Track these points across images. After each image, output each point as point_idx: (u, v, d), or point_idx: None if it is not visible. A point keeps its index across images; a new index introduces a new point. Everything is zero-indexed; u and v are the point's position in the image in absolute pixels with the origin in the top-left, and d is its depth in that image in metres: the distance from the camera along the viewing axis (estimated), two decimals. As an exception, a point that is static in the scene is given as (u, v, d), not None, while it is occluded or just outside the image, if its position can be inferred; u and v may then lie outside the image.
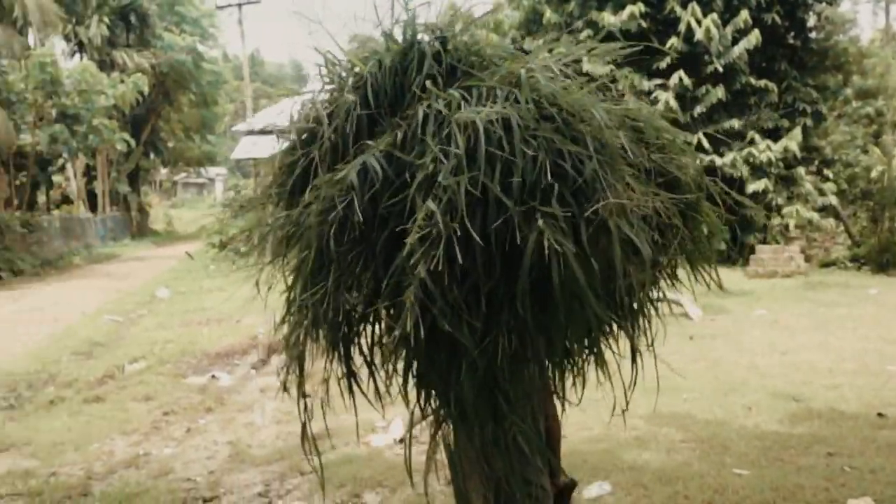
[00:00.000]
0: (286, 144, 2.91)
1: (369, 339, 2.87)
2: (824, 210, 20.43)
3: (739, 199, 3.22)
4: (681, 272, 3.12)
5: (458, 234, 2.31)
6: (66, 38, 32.32)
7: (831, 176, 21.10)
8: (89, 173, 35.37)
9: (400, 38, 2.86)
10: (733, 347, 10.21)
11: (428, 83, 2.67)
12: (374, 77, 2.74)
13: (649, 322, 3.01)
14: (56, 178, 35.17)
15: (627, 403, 3.04)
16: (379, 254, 2.54)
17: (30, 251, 24.59)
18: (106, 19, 31.63)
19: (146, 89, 28.66)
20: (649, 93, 18.77)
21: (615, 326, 2.87)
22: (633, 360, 2.96)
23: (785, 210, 19.70)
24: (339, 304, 2.61)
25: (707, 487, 5.42)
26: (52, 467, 6.46)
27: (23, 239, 24.59)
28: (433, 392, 2.75)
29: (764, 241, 19.54)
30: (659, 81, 18.92)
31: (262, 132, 23.27)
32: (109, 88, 26.08)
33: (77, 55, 33.44)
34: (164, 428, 7.61)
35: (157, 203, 50.75)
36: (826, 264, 19.44)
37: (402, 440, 6.54)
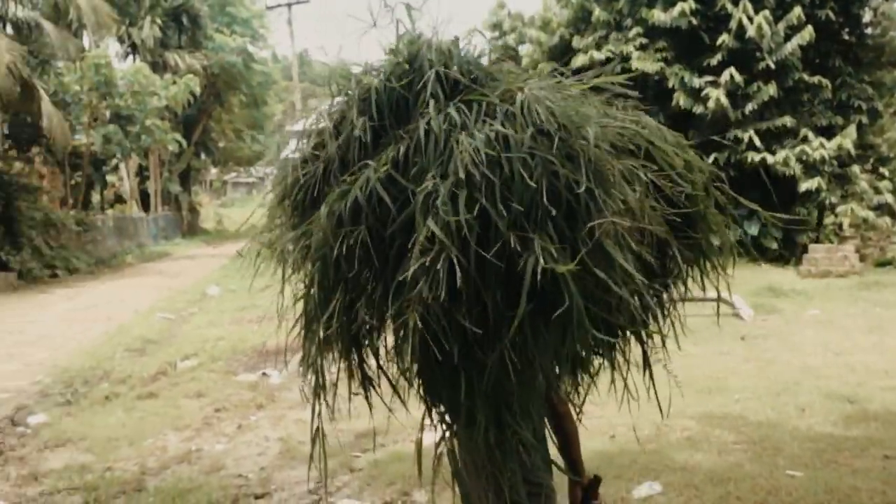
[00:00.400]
0: (297, 156, 2.91)
1: (383, 349, 2.89)
2: (880, 209, 20.05)
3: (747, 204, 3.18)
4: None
5: (458, 255, 2.34)
6: (120, 40, 32.84)
7: (887, 174, 20.70)
8: (142, 173, 35.95)
9: (407, 49, 2.85)
10: (786, 348, 10.07)
11: (431, 98, 2.65)
12: (378, 90, 2.74)
13: (673, 325, 3.05)
14: (109, 178, 35.78)
15: (664, 406, 2.97)
16: (387, 270, 2.56)
17: (84, 250, 25.04)
18: (159, 20, 32.08)
19: (198, 90, 29.03)
20: (699, 90, 18.57)
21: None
22: (646, 367, 3.01)
23: (839, 209, 19.38)
24: (350, 318, 2.65)
25: (759, 489, 5.35)
26: (108, 462, 6.57)
27: (78, 238, 25.06)
28: (439, 398, 2.79)
29: (817, 241, 19.24)
30: (710, 78, 18.71)
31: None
32: (162, 90, 26.48)
33: (130, 57, 33.98)
34: (215, 424, 7.70)
35: (208, 202, 51.34)
36: (881, 264, 19.06)
37: (450, 438, 6.54)
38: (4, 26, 21.61)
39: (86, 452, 6.91)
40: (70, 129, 24.41)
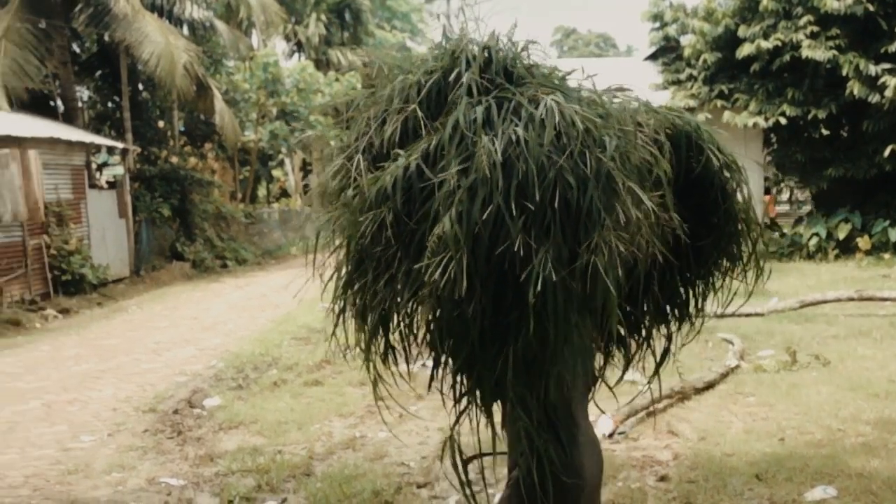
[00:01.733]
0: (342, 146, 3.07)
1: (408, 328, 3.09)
2: None
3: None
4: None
5: (469, 253, 2.48)
6: (286, 38, 33.99)
7: None
8: (305, 168, 37.12)
9: (450, 46, 2.98)
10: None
11: (464, 95, 2.76)
12: (420, 83, 2.88)
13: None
14: (275, 173, 37.13)
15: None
16: (411, 254, 2.69)
17: (252, 241, 26.15)
18: (324, 17, 33.01)
19: (359, 87, 29.71)
20: (876, 78, 17.60)
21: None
22: (657, 371, 3.47)
23: None
24: (378, 297, 2.86)
25: (948, 501, 5.03)
26: (278, 445, 6.82)
27: (246, 230, 26.19)
28: (467, 377, 2.90)
29: None
30: (887, 66, 17.70)
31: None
32: (325, 87, 27.24)
33: (295, 55, 35.12)
34: (377, 412, 7.85)
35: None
36: None
37: (610, 435, 6.47)
38: (182, 27, 22.73)
39: (257, 435, 7.19)
40: (240, 125, 25.48)
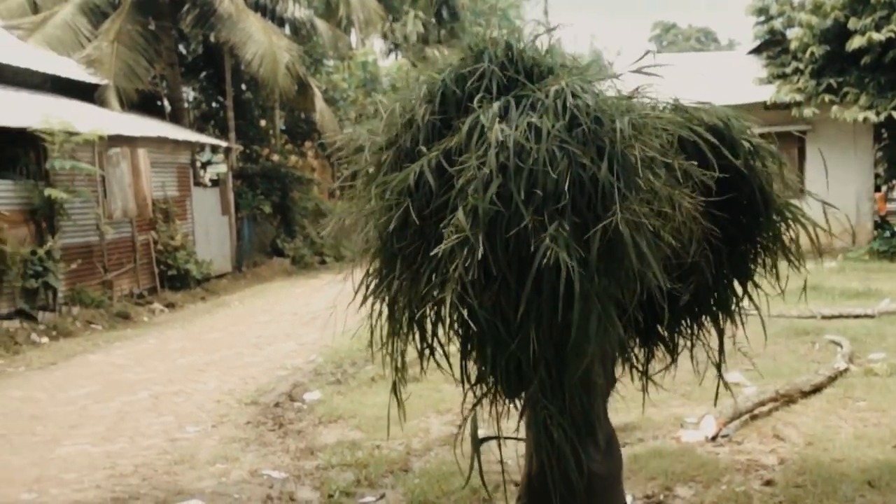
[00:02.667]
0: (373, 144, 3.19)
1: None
2: None
3: None
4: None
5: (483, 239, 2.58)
6: (384, 37, 34.31)
7: None
8: (402, 165, 37.32)
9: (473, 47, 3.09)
10: None
11: (484, 94, 2.88)
12: (444, 85, 2.98)
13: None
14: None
15: None
16: (433, 246, 2.77)
17: (349, 238, 26.40)
18: (421, 14, 33.19)
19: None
20: None
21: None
22: (673, 360, 3.80)
23: None
24: (405, 290, 3.03)
25: None
26: (376, 440, 6.88)
27: (344, 227, 26.50)
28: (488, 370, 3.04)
29: None
30: None
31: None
32: (422, 84, 27.38)
33: (393, 53, 35.41)
34: (476, 409, 7.84)
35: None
36: None
37: (713, 438, 6.33)
38: (284, 26, 23.15)
39: (355, 430, 7.27)
40: (339, 124, 25.83)
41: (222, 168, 21.33)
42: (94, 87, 18.59)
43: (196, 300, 17.19)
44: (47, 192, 13.66)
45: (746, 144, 3.15)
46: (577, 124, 2.66)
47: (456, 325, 2.92)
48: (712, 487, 5.44)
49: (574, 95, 2.71)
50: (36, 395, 9.33)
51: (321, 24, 23.62)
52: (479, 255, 2.55)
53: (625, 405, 7.73)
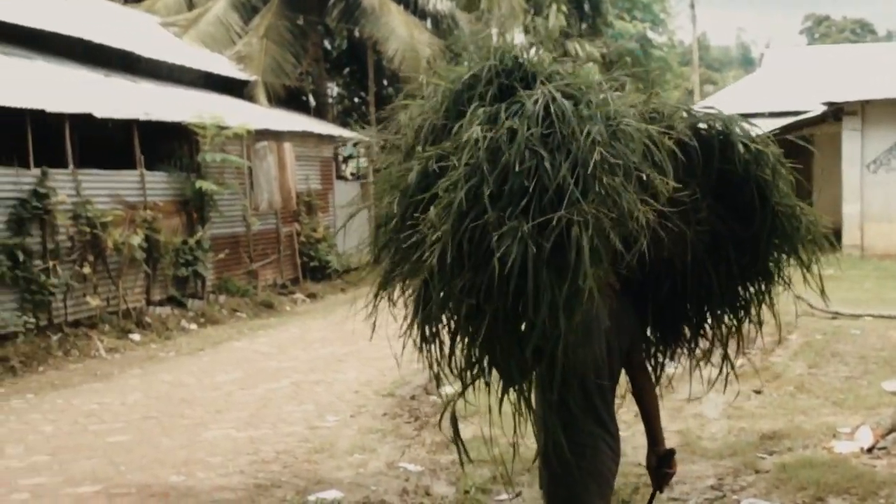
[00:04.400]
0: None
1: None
2: None
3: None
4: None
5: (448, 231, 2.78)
6: (525, 31, 34.20)
7: None
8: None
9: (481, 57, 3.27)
10: None
11: (478, 102, 3.04)
12: (451, 93, 3.18)
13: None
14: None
15: None
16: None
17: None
18: (564, 8, 32.91)
19: (598, 78, 29.36)
20: None
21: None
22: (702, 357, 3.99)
23: None
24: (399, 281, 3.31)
25: None
26: (512, 437, 6.82)
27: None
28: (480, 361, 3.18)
29: None
30: None
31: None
32: (562, 79, 27.12)
33: (532, 47, 35.21)
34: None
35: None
36: None
37: (870, 449, 6.01)
38: (426, 20, 23.32)
39: (494, 425, 7.23)
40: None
41: (363, 162, 21.69)
42: (244, 83, 19.24)
43: (336, 291, 17.54)
44: (199, 183, 14.21)
45: (745, 151, 3.23)
46: (554, 130, 2.83)
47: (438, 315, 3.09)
48: (868, 501, 5.18)
49: (554, 101, 2.87)
50: (185, 379, 9.71)
51: (462, 18, 23.70)
52: (450, 247, 2.76)
53: (772, 412, 7.52)
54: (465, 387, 3.31)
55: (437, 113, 3.18)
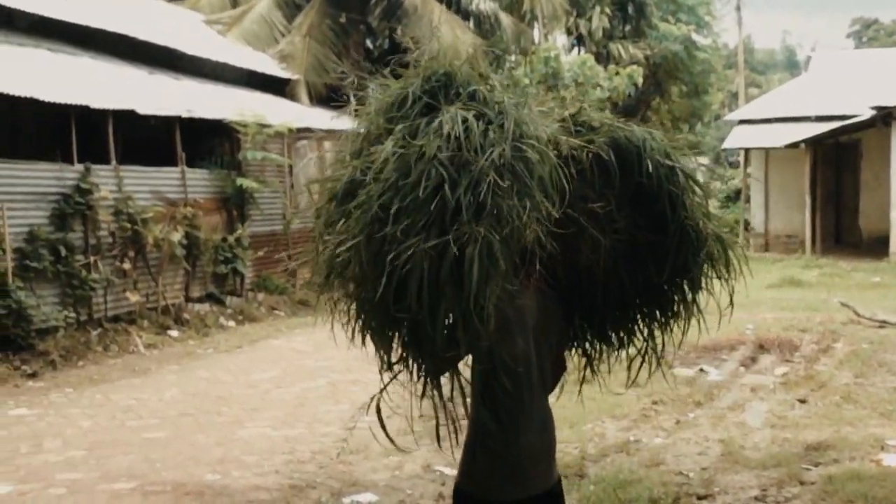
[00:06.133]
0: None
1: None
2: None
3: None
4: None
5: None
6: (568, 32, 33.97)
7: None
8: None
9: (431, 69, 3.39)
10: None
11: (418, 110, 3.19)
12: (382, 106, 3.34)
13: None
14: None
15: None
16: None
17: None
18: (607, 10, 32.67)
19: (640, 81, 29.11)
20: None
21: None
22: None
23: None
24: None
25: None
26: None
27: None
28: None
29: None
30: None
31: (755, 121, 22.50)
32: (604, 81, 26.91)
33: (575, 48, 35.02)
34: (653, 417, 7.59)
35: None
36: None
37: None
38: (468, 20, 23.23)
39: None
40: (518, 119, 25.71)
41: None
42: (286, 81, 19.29)
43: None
44: (239, 181, 14.26)
45: (654, 165, 3.35)
46: (460, 149, 2.98)
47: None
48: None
49: (465, 121, 3.01)
50: (222, 376, 9.73)
51: (505, 18, 23.59)
52: (362, 258, 2.98)
53: (817, 422, 7.34)
54: (391, 379, 3.48)
55: (372, 125, 3.35)
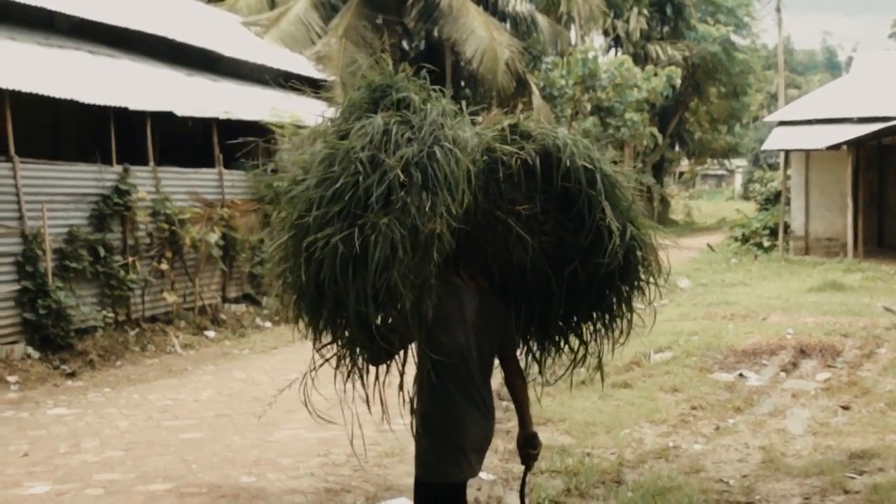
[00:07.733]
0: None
1: None
2: None
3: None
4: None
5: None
6: (605, 33, 33.80)
7: None
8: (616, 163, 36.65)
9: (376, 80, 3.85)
10: None
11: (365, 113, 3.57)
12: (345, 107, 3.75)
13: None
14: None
15: None
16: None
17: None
18: (645, 11, 32.48)
19: (678, 82, 28.86)
20: None
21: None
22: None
23: None
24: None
25: None
26: (586, 447, 6.66)
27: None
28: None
29: None
30: None
31: (795, 123, 22.20)
32: (642, 82, 26.72)
33: (612, 49, 34.81)
34: (692, 422, 7.48)
35: (677, 194, 51.05)
36: None
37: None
38: (505, 21, 23.16)
39: (565, 434, 7.08)
40: (556, 121, 25.64)
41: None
42: (323, 82, 19.32)
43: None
44: (276, 182, 14.26)
45: (573, 169, 3.51)
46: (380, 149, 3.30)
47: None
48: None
49: (387, 125, 3.35)
50: (258, 377, 9.74)
51: (542, 20, 23.50)
52: (290, 244, 3.37)
53: (861, 429, 7.19)
54: (323, 362, 3.91)
55: (342, 119, 3.66)
